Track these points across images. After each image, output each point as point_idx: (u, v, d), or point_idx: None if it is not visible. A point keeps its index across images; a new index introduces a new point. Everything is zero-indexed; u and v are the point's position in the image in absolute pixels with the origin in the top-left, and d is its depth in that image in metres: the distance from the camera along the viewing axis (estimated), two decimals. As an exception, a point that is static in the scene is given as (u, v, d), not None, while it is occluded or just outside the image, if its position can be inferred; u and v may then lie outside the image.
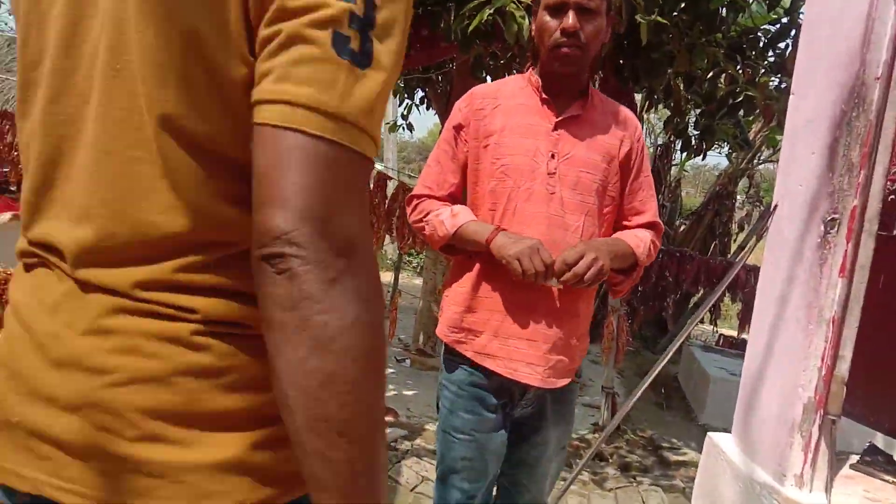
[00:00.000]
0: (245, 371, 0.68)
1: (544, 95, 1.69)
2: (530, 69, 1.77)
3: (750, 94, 3.97)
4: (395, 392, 5.07)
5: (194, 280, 0.67)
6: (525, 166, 1.64)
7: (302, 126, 0.59)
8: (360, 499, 0.61)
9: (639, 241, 1.72)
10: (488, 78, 4.78)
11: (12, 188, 7.60)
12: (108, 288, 0.67)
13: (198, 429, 0.67)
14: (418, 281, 10.75)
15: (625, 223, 1.80)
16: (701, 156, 4.77)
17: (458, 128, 1.74)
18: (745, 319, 6.37)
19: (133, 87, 0.65)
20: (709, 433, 2.06)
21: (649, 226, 1.79)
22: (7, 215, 4.04)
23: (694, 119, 4.86)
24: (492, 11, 2.83)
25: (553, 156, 1.64)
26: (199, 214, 0.67)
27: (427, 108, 6.77)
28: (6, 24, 16.99)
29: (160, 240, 0.66)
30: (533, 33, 1.73)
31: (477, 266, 1.69)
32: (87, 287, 0.68)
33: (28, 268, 0.76)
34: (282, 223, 0.58)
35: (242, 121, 0.63)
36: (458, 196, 1.80)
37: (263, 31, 0.61)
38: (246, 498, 0.67)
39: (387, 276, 7.10)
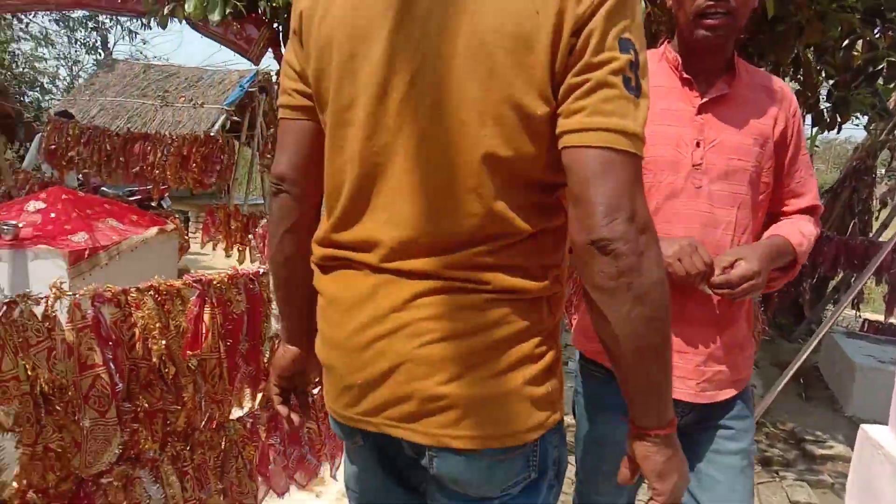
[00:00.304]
0: (521, 325, 0.95)
1: (685, 74, 1.48)
2: (664, 43, 1.56)
3: (892, 59, 3.66)
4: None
5: (487, 261, 0.94)
6: (666, 158, 1.46)
7: (614, 145, 0.84)
8: (664, 397, 0.95)
9: (802, 238, 1.50)
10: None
11: (153, 203, 8.26)
12: (419, 272, 0.95)
13: (491, 369, 0.94)
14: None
15: (782, 209, 1.58)
16: (835, 129, 4.45)
17: None
18: (892, 303, 5.89)
19: (451, 128, 0.90)
20: (862, 426, 1.93)
21: (809, 210, 1.58)
22: (154, 230, 4.39)
23: (826, 91, 4.55)
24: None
25: (698, 144, 1.45)
26: (494, 217, 0.92)
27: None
28: (141, 53, 18.46)
29: (463, 236, 0.93)
30: (668, 1, 1.52)
31: None
32: (400, 274, 0.96)
33: (326, 270, 1.06)
34: (604, 217, 0.84)
35: (542, 146, 0.91)
36: None
37: (572, 80, 0.87)
38: (537, 417, 0.97)
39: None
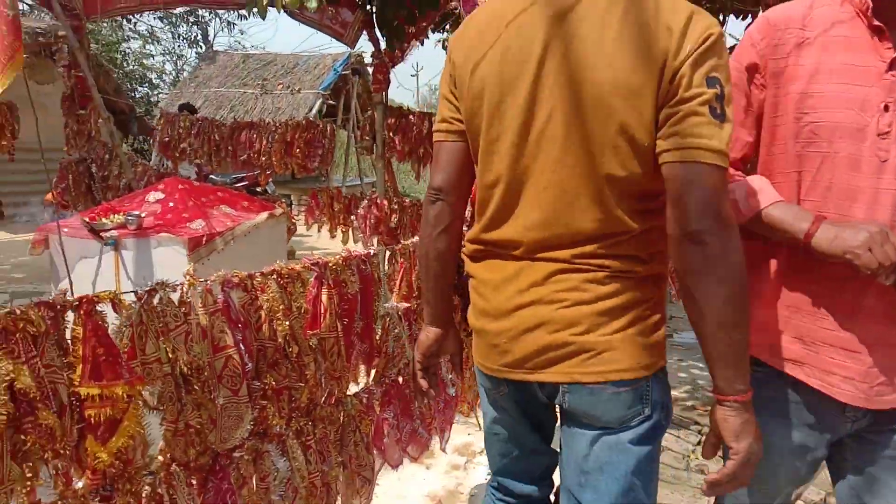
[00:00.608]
0: (633, 296, 1.25)
1: (875, 21, 1.23)
2: None
3: None
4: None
5: (605, 251, 1.24)
6: (847, 124, 1.24)
7: (705, 160, 1.11)
8: (741, 368, 1.17)
9: None
10: None
11: (258, 189, 8.60)
12: (552, 259, 1.27)
13: (611, 325, 1.25)
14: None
15: None
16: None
17: (752, 69, 1.36)
18: None
19: (579, 156, 1.21)
20: None
21: None
22: (264, 215, 4.57)
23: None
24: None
25: (887, 108, 1.22)
26: (612, 220, 1.23)
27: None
28: (239, 43, 19.21)
29: (588, 234, 1.24)
30: None
31: (777, 257, 1.38)
32: (536, 261, 1.29)
33: (477, 259, 1.42)
34: (697, 215, 1.11)
35: (648, 166, 1.19)
36: (750, 158, 1.44)
37: (668, 110, 1.14)
38: (646, 360, 1.27)
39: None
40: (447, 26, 5.93)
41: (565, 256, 1.26)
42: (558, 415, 1.46)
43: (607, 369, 1.25)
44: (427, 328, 1.67)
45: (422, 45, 5.24)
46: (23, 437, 1.25)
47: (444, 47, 6.40)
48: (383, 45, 5.16)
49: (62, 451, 1.31)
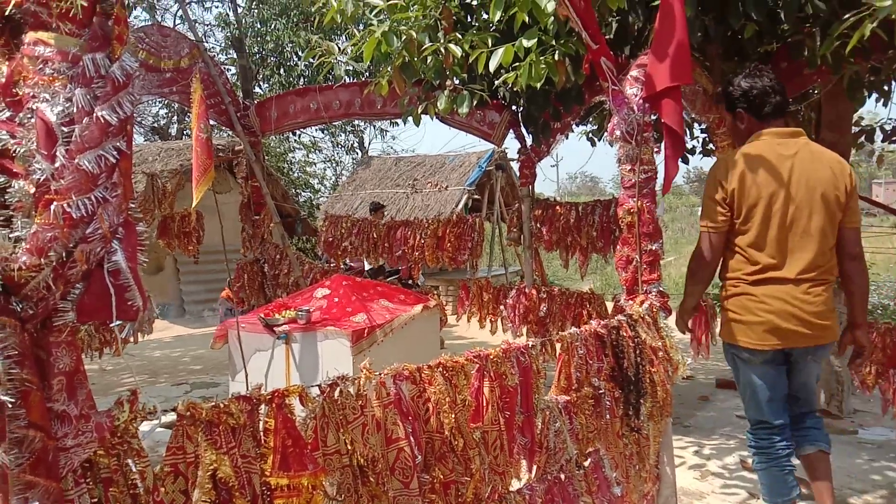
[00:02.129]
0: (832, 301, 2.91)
1: None
2: None
3: None
4: (804, 459, 4.52)
5: (828, 272, 2.86)
6: None
7: (857, 225, 2.93)
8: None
9: None
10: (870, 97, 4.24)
11: (410, 282, 8.92)
12: (809, 279, 2.81)
13: (834, 315, 2.91)
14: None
15: None
16: None
17: None
18: None
19: (816, 231, 2.79)
20: None
21: None
22: (419, 307, 4.73)
23: None
24: (874, 24, 2.52)
25: None
26: (830, 258, 2.86)
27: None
28: (391, 147, 20.63)
29: (823, 264, 2.83)
30: None
31: None
32: (800, 282, 2.81)
33: (756, 284, 2.86)
34: (856, 247, 2.94)
35: (836, 227, 2.86)
36: None
37: (847, 206, 2.87)
38: (839, 331, 2.99)
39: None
40: (590, 119, 6.04)
41: (814, 277, 2.81)
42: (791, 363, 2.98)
43: (833, 335, 2.91)
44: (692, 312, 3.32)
45: (566, 138, 5.36)
46: (222, 523, 1.35)
47: (588, 139, 6.49)
48: (529, 140, 5.32)
49: (254, 538, 1.39)
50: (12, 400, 1.00)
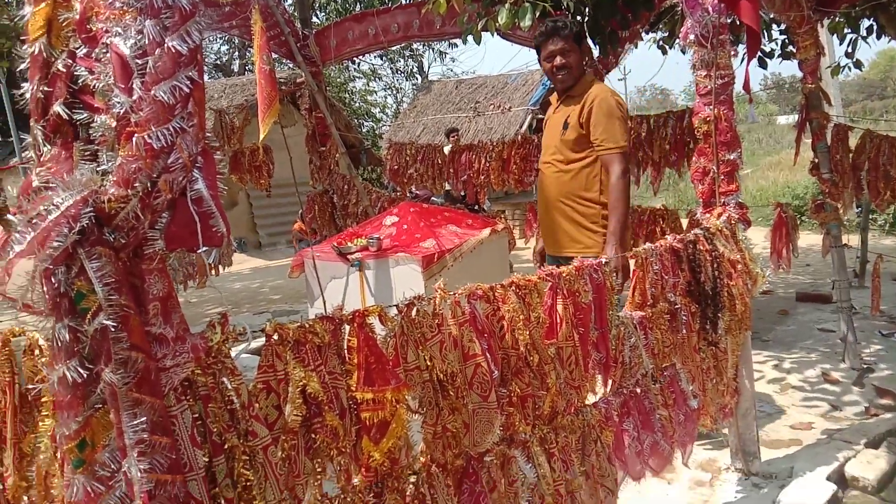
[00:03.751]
0: None
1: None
2: None
3: None
4: (891, 372, 4.40)
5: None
6: None
7: None
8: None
9: None
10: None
11: (476, 207, 8.92)
12: None
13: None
14: (888, 241, 9.17)
15: None
16: None
17: None
18: None
19: None
20: None
21: None
22: (487, 231, 4.74)
23: None
24: None
25: None
26: None
27: (878, 38, 5.78)
28: (451, 70, 20.28)
29: None
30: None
31: None
32: None
33: None
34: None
35: None
36: None
37: None
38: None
39: (853, 240, 6.23)
40: (660, 26, 5.73)
41: None
42: None
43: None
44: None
45: (636, 48, 5.12)
46: (313, 436, 1.43)
47: (659, 47, 6.18)
48: (596, 52, 5.11)
49: (344, 450, 1.47)
50: (114, 324, 1.07)
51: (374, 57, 18.80)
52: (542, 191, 3.40)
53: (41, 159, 1.16)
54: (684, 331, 2.57)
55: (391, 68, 20.02)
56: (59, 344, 1.07)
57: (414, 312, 1.59)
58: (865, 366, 4.48)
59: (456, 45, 19.37)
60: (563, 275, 2.03)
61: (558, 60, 3.17)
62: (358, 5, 15.46)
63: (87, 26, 1.13)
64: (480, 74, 15.02)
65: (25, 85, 1.19)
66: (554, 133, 3.28)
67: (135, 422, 1.06)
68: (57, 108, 1.15)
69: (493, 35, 4.49)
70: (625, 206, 3.03)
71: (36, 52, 1.16)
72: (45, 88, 1.17)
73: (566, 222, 3.23)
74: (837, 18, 5.39)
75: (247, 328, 1.30)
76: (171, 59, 1.09)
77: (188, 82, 1.09)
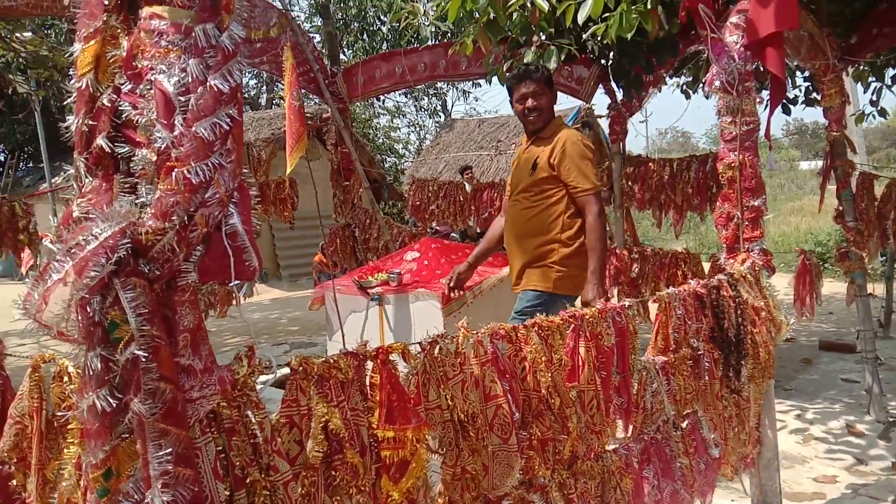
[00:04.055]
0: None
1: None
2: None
3: None
4: (918, 425, 4.28)
5: None
6: None
7: None
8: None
9: None
10: None
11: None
12: None
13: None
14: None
15: None
16: None
17: None
18: None
19: None
20: None
21: None
22: (506, 269, 4.74)
23: None
24: None
25: None
26: None
27: (903, 87, 5.79)
28: (474, 109, 20.54)
29: None
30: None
31: None
32: None
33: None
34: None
35: None
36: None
37: None
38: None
39: (878, 289, 6.14)
40: (684, 70, 5.78)
41: None
42: None
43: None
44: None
45: (659, 91, 5.16)
46: (333, 473, 1.42)
47: (682, 91, 6.23)
48: (619, 95, 5.16)
49: (363, 488, 1.46)
50: (145, 354, 1.08)
51: (399, 94, 19.10)
52: (508, 227, 3.48)
53: (82, 190, 1.19)
54: (707, 377, 2.54)
55: (415, 106, 20.31)
56: (91, 372, 1.08)
57: (437, 350, 1.59)
58: (892, 419, 4.37)
59: (479, 85, 19.64)
60: (587, 317, 2.02)
61: (530, 102, 3.28)
62: (385, 45, 15.77)
63: (133, 63, 1.17)
64: (503, 114, 15.18)
65: (70, 118, 1.23)
66: (523, 172, 3.37)
67: (160, 453, 1.07)
68: (100, 141, 1.18)
69: (518, 77, 4.55)
70: (603, 245, 3.14)
71: (83, 87, 1.20)
72: (90, 122, 1.20)
73: (526, 258, 3.30)
74: (862, 67, 5.40)
75: (272, 361, 1.30)
76: (213, 97, 1.12)
77: (228, 120, 1.12)
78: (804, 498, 3.41)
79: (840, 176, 4.44)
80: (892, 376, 5.21)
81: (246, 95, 19.22)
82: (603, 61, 5.04)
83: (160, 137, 1.12)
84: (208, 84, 1.12)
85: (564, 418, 1.91)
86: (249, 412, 1.25)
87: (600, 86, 5.15)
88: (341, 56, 16.12)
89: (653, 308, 2.54)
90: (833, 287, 8.28)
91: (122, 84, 1.19)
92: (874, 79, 5.72)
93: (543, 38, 3.94)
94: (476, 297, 4.28)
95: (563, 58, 3.84)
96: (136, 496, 1.09)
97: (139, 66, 1.15)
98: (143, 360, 1.08)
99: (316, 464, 1.38)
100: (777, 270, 3.13)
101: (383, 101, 19.32)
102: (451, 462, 1.65)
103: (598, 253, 3.10)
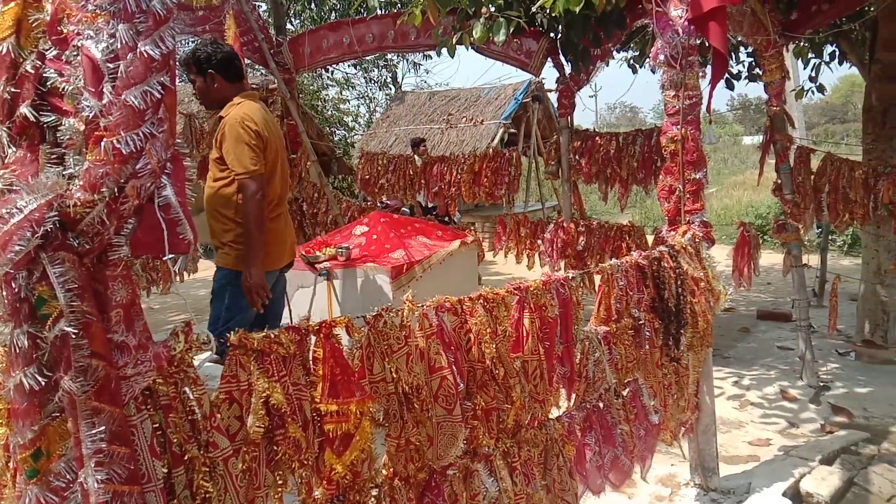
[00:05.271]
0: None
1: None
2: None
3: None
4: (846, 390, 4.51)
5: None
6: None
7: None
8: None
9: None
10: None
11: (446, 218, 8.95)
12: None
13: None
14: (846, 262, 9.42)
15: None
16: None
17: None
18: None
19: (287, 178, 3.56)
20: None
21: None
22: (456, 243, 4.76)
23: None
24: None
25: None
26: None
27: (840, 63, 5.98)
28: (425, 82, 20.35)
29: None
30: None
31: None
32: (284, 216, 3.57)
33: (274, 220, 3.33)
34: None
35: None
36: None
37: None
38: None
39: (812, 260, 6.38)
40: (631, 45, 5.84)
41: None
42: None
43: None
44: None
45: (607, 65, 5.21)
46: (275, 448, 1.41)
47: (629, 66, 6.30)
48: (568, 69, 5.19)
49: (306, 462, 1.46)
50: (75, 331, 1.05)
51: (348, 66, 18.77)
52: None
53: (5, 161, 1.14)
54: (647, 346, 2.61)
55: (365, 77, 19.99)
56: (17, 350, 1.05)
57: (381, 324, 1.59)
58: (822, 384, 4.58)
59: (430, 57, 19.47)
60: (531, 288, 2.05)
61: (194, 87, 3.41)
62: (333, 14, 15.45)
63: (58, 28, 1.12)
64: (454, 87, 15.10)
65: (-10, 85, 1.17)
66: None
67: (93, 431, 1.04)
68: (24, 109, 1.13)
69: (467, 49, 4.53)
70: (257, 226, 3.08)
71: (3, 53, 1.14)
72: (12, 90, 1.15)
73: (213, 237, 3.34)
74: (802, 43, 5.55)
75: (211, 337, 1.28)
76: (144, 63, 1.08)
77: (160, 88, 1.09)
78: (740, 461, 3.56)
79: (779, 150, 4.57)
80: (824, 343, 5.45)
81: (189, 65, 18.60)
82: (552, 34, 5.05)
83: (88, 106, 1.08)
84: (138, 50, 1.08)
85: (508, 388, 1.94)
86: (187, 388, 1.24)
87: (549, 59, 5.17)
88: (288, 25, 15.73)
89: (597, 280, 2.59)
90: (771, 258, 8.58)
91: (47, 50, 1.14)
92: (813, 55, 5.90)
93: (492, 9, 3.92)
94: (425, 272, 4.28)
95: (511, 30, 3.83)
96: (67, 476, 1.06)
97: (65, 30, 1.10)
98: (74, 336, 1.05)
99: (257, 439, 1.37)
100: (719, 242, 3.22)
101: (332, 72, 18.95)
102: (395, 434, 1.66)
103: (253, 235, 3.06)
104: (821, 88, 6.29)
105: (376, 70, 19.66)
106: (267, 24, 7.39)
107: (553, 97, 5.71)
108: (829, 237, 7.63)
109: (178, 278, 6.21)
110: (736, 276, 4.84)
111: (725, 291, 3.00)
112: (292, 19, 16.22)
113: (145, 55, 1.08)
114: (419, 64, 19.98)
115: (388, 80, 20.10)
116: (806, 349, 4.60)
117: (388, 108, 15.13)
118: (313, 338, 1.47)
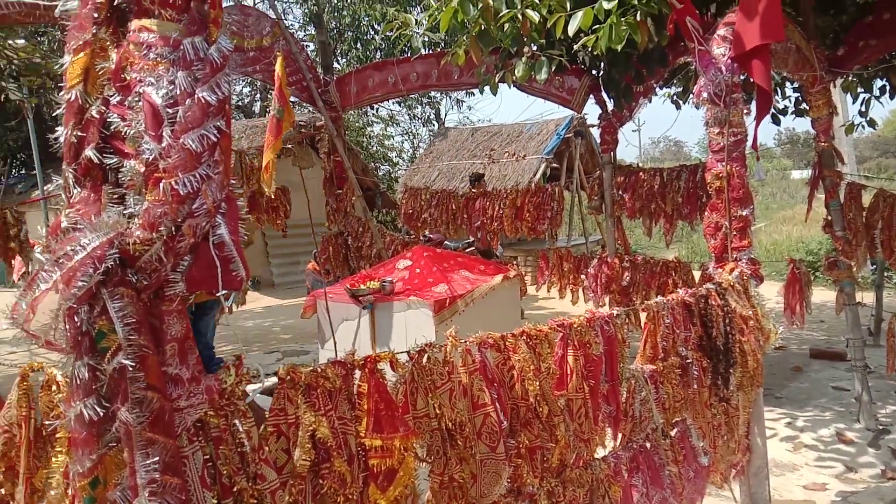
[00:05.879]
0: None
1: None
2: None
3: None
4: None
5: None
6: None
7: None
8: None
9: None
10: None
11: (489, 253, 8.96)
12: None
13: None
14: (906, 299, 9.07)
15: None
16: None
17: None
18: None
19: None
20: None
21: None
22: (499, 277, 4.76)
23: None
24: None
25: None
26: None
27: (891, 98, 5.85)
28: (467, 118, 20.59)
29: None
30: None
31: None
32: None
33: None
34: None
35: None
36: None
37: None
38: None
39: (867, 297, 6.17)
40: (674, 81, 5.82)
41: None
42: None
43: None
44: None
45: (650, 102, 5.20)
46: (321, 481, 1.43)
47: (672, 102, 6.27)
48: (610, 105, 5.20)
49: (351, 497, 1.46)
50: (132, 364, 1.09)
51: (393, 103, 19.14)
52: None
53: (71, 201, 1.20)
54: (695, 385, 2.55)
55: (409, 114, 20.34)
56: (78, 381, 1.09)
57: (425, 360, 1.60)
58: (881, 427, 4.40)
59: (473, 94, 19.72)
60: (574, 325, 2.04)
61: None
62: (378, 54, 15.82)
63: (122, 75, 1.18)
64: (496, 123, 15.23)
65: (60, 129, 1.24)
66: None
67: (147, 461, 1.07)
68: (88, 152, 1.20)
69: (509, 87, 4.59)
70: None
71: (72, 99, 1.21)
72: (79, 133, 1.21)
73: None
74: (851, 78, 5.45)
75: (260, 370, 1.31)
76: (201, 109, 1.13)
77: (216, 131, 1.14)
78: (794, 506, 3.43)
79: (828, 186, 4.48)
80: (882, 384, 5.23)
81: (240, 103, 19.25)
82: (594, 72, 5.08)
83: (148, 149, 1.13)
84: (196, 96, 1.13)
85: (553, 426, 1.92)
86: (237, 421, 1.26)
87: (591, 96, 5.19)
88: (334, 65, 16.17)
89: (643, 317, 2.56)
90: (823, 295, 8.32)
91: (111, 96, 1.20)
92: (863, 90, 5.78)
93: (534, 48, 3.97)
94: (468, 306, 4.29)
95: (553, 68, 3.87)
96: (122, 505, 1.09)
97: (128, 78, 1.17)
98: (131, 369, 1.09)
99: (303, 472, 1.39)
100: (768, 279, 3.15)
101: (377, 109, 19.36)
102: (438, 470, 1.66)
103: None
104: (871, 123, 6.15)
105: (420, 107, 20.00)
106: (315, 63, 7.62)
107: (595, 132, 5.72)
108: (885, 274, 7.37)
109: (226, 310, 6.34)
110: (787, 313, 4.71)
111: (776, 330, 2.93)
112: (339, 59, 16.67)
113: (202, 101, 1.13)
114: (462, 101, 20.25)
115: (432, 116, 20.41)
116: (863, 390, 4.43)
117: (432, 143, 15.31)
118: (358, 372, 1.49)
